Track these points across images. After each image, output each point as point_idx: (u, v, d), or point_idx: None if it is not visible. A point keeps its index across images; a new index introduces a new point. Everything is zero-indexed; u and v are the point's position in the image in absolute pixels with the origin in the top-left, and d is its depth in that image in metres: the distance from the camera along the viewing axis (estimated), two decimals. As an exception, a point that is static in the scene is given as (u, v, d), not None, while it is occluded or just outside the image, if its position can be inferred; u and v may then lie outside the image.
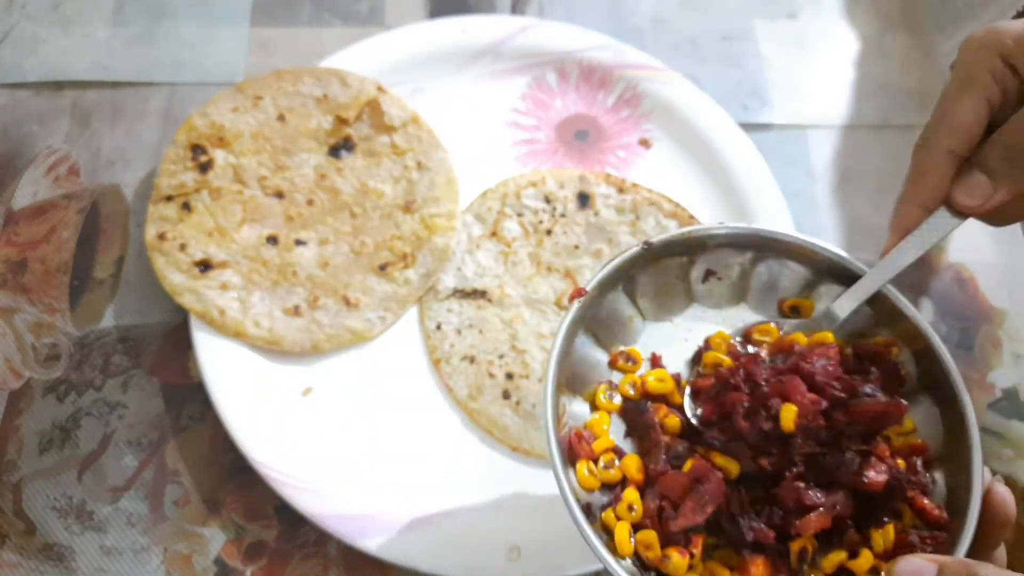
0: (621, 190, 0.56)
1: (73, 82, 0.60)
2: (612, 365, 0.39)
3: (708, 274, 0.40)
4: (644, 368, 0.39)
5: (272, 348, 0.50)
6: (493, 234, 0.54)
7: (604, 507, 0.35)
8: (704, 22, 0.66)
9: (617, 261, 0.38)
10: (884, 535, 0.33)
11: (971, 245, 0.57)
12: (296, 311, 0.50)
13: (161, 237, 0.51)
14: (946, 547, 0.32)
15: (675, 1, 0.67)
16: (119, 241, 0.55)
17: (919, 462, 0.35)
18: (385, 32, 0.60)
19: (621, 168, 0.58)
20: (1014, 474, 0.50)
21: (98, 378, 0.50)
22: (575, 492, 0.34)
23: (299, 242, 0.52)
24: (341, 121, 0.55)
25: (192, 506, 0.47)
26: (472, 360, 0.50)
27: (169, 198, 0.52)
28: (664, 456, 0.35)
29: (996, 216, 0.39)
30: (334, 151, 0.55)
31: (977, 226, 0.47)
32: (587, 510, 0.34)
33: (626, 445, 0.37)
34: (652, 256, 0.39)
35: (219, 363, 0.48)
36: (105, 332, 0.52)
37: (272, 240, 0.52)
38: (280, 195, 0.53)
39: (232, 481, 0.48)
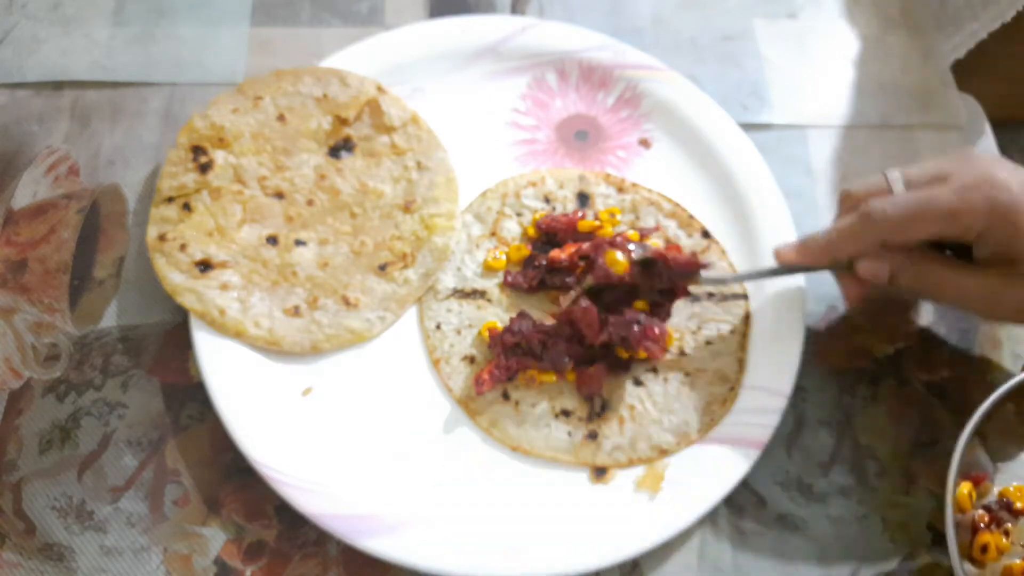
0: (621, 190, 0.56)
1: (73, 82, 0.60)
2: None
3: None
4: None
5: (272, 348, 0.50)
6: (493, 234, 0.54)
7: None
8: (704, 22, 0.66)
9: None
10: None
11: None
12: (296, 311, 0.50)
13: (162, 238, 0.51)
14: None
15: (675, 1, 0.67)
16: (119, 241, 0.55)
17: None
18: (385, 32, 0.60)
19: (621, 168, 0.58)
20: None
21: (98, 378, 0.50)
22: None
23: (299, 242, 0.52)
24: (341, 121, 0.56)
25: (192, 506, 0.47)
26: (472, 360, 0.50)
27: (170, 199, 0.52)
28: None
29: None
30: (334, 151, 0.55)
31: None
32: None
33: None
34: None
35: (219, 363, 0.48)
36: (105, 332, 0.52)
37: (272, 240, 0.52)
38: (280, 195, 0.53)
39: (232, 481, 0.48)
